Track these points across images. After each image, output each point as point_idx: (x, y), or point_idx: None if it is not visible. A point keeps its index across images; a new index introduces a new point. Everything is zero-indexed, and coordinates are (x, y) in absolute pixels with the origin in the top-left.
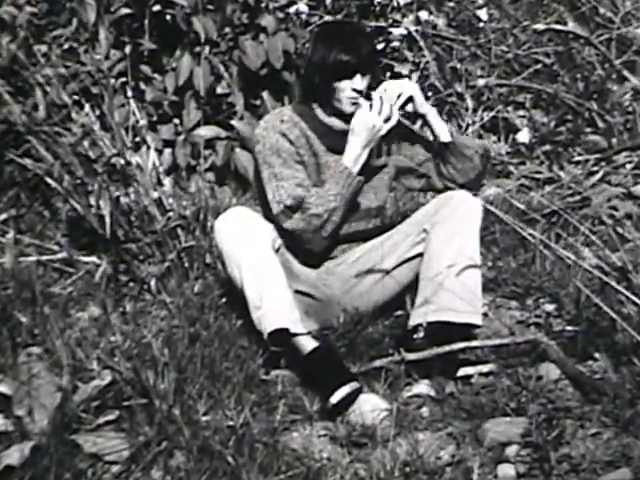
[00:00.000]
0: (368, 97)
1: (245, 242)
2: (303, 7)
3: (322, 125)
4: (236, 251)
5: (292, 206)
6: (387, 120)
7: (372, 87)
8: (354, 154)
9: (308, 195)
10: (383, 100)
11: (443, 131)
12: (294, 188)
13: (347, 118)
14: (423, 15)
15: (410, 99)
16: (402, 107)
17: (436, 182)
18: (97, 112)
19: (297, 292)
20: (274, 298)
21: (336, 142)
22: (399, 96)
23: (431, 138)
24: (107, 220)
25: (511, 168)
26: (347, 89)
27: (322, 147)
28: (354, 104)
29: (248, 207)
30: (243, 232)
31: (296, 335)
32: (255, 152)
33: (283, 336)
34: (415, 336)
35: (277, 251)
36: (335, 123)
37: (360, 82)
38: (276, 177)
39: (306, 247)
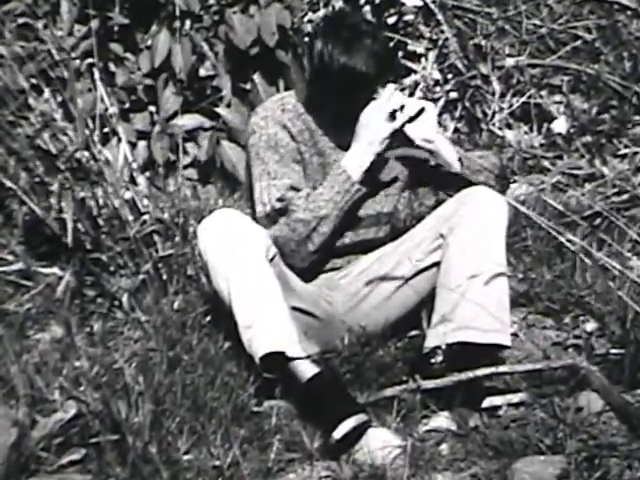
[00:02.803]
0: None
1: (234, 250)
2: None
3: (331, 118)
4: (223, 261)
5: (280, 209)
6: (392, 119)
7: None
8: (354, 157)
9: (296, 196)
10: (391, 99)
11: (453, 160)
12: (286, 190)
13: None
14: None
15: (421, 112)
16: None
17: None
18: (59, 98)
19: (295, 309)
20: (268, 316)
21: (348, 138)
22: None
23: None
24: (69, 224)
25: (546, 163)
26: (366, 101)
27: (330, 144)
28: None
29: (237, 209)
30: (231, 238)
31: (293, 359)
32: (248, 144)
33: (278, 361)
34: (432, 360)
35: (271, 261)
36: (347, 117)
37: (379, 92)
38: (269, 175)
39: (289, 261)
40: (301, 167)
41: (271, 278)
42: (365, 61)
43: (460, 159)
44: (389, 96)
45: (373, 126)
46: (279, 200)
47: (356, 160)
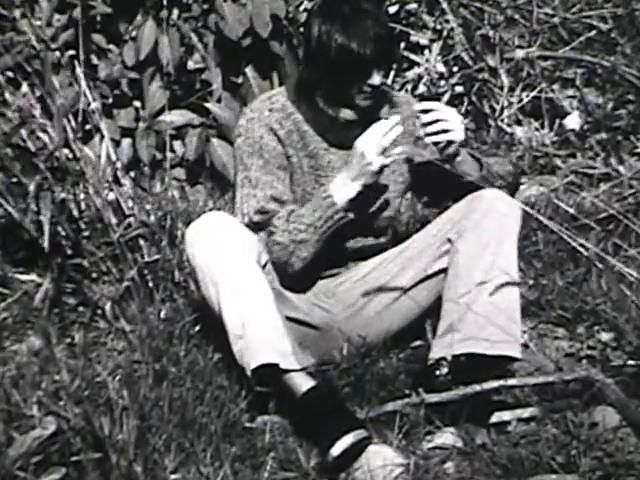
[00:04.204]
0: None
1: (224, 256)
2: None
3: (324, 116)
4: (213, 267)
5: (260, 223)
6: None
7: (386, 77)
8: (342, 184)
9: (277, 215)
10: (391, 127)
11: (474, 169)
12: (267, 201)
13: (358, 109)
14: None
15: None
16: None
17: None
18: (38, 93)
19: (289, 319)
20: (260, 325)
21: (342, 136)
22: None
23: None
24: (45, 227)
25: (558, 162)
26: (360, 83)
27: (323, 144)
28: (368, 98)
29: (227, 211)
30: (221, 243)
31: (287, 372)
32: (235, 147)
33: (271, 373)
34: (437, 372)
35: (263, 268)
36: (341, 113)
37: (377, 77)
38: (250, 183)
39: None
40: (287, 173)
41: (263, 285)
42: (364, 43)
43: (481, 166)
44: (388, 129)
45: (366, 158)
46: (258, 212)
47: (343, 187)
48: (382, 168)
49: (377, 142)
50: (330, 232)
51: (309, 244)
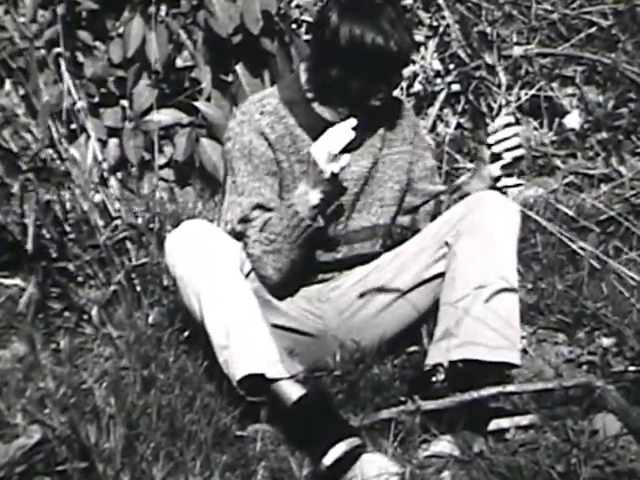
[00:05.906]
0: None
1: (205, 265)
2: None
3: (320, 121)
4: (194, 276)
5: (242, 232)
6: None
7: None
8: (302, 193)
9: (251, 225)
10: (341, 139)
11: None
12: (251, 210)
13: (368, 111)
14: None
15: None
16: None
17: (420, 224)
18: (22, 91)
19: (279, 327)
20: (244, 335)
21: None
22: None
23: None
24: (30, 230)
25: (557, 162)
26: (393, 82)
27: None
28: (382, 99)
29: (217, 213)
30: (202, 252)
31: (275, 381)
32: (224, 150)
33: (258, 383)
34: (434, 379)
35: (247, 276)
36: (341, 117)
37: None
38: (237, 189)
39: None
40: (276, 179)
41: (247, 294)
42: (399, 40)
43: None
44: (339, 135)
45: (318, 166)
46: (241, 221)
47: (304, 196)
48: (335, 175)
49: (328, 149)
50: (302, 240)
51: (281, 254)
